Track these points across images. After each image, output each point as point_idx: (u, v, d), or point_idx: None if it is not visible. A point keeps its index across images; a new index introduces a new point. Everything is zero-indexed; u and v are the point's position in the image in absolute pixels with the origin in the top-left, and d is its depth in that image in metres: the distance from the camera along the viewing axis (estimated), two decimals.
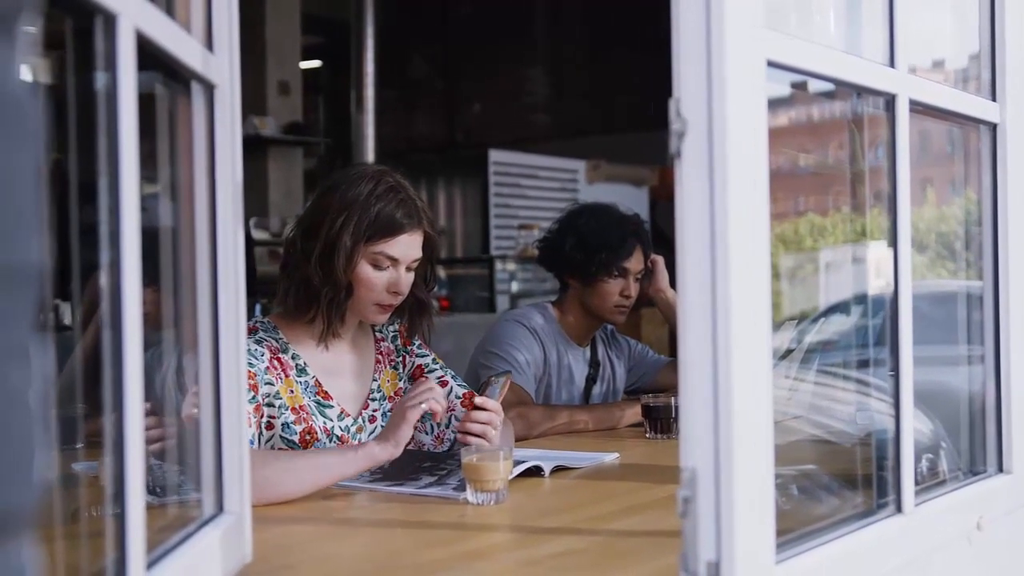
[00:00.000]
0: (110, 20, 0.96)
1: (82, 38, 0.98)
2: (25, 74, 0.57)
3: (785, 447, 1.28)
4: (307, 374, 2.13)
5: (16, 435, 0.51)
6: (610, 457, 2.28)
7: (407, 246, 2.11)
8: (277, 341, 2.13)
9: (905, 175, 1.48)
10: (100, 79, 0.98)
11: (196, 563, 1.19)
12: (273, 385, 2.07)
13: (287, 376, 2.10)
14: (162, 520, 1.28)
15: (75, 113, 1.01)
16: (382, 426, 2.19)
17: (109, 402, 0.97)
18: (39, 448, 0.54)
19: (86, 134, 0.99)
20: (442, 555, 1.52)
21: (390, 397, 2.26)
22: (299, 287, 2.11)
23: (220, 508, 1.33)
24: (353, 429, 2.17)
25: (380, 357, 2.28)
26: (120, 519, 0.98)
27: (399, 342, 2.32)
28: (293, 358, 2.13)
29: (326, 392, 2.15)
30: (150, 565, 1.04)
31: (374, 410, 2.23)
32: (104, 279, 0.98)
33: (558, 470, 2.11)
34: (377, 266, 2.10)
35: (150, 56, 1.07)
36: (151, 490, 1.18)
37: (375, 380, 2.25)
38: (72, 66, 1.02)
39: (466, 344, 4.66)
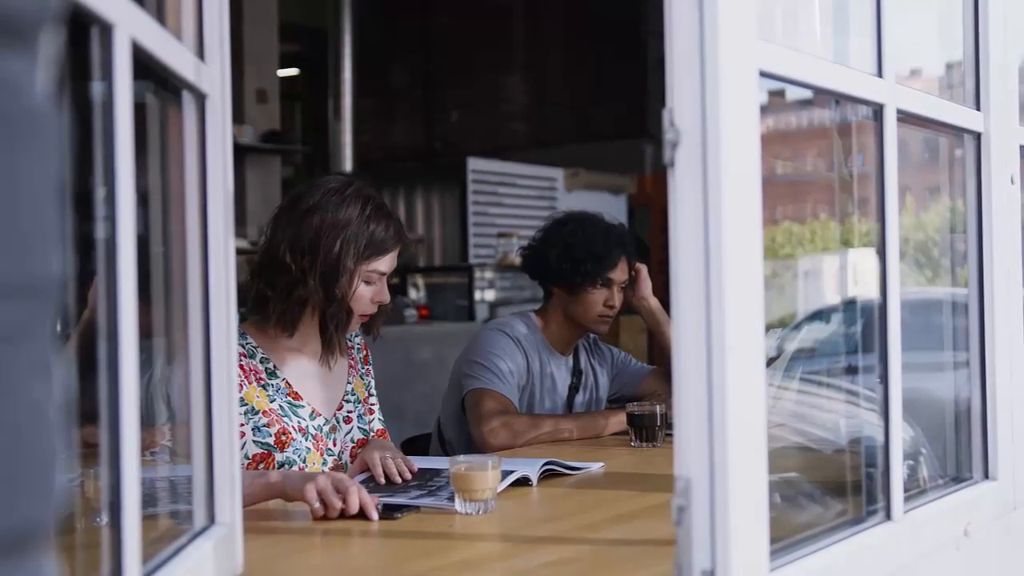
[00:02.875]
0: (106, 30, 0.95)
1: (75, 47, 0.97)
2: (45, 88, 0.57)
3: (771, 455, 1.28)
4: (278, 377, 2.19)
5: (39, 449, 0.51)
6: (596, 467, 2.28)
7: (393, 260, 2.23)
8: (244, 347, 2.17)
9: (893, 183, 1.49)
10: (95, 88, 0.97)
11: (189, 575, 1.18)
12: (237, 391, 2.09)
13: (257, 380, 2.15)
14: (154, 532, 1.27)
15: (68, 122, 1.00)
16: (358, 427, 2.28)
17: (105, 414, 0.96)
18: (59, 461, 0.53)
19: (79, 142, 0.99)
20: (433, 565, 1.52)
21: (362, 401, 2.34)
22: (295, 306, 2.14)
23: (212, 520, 1.32)
24: (326, 429, 2.22)
25: (352, 363, 2.35)
26: (115, 531, 0.97)
27: (360, 356, 2.39)
28: (262, 362, 2.18)
29: (296, 393, 2.20)
30: None
31: (348, 411, 2.29)
32: (99, 289, 0.97)
33: (546, 476, 2.11)
34: (368, 282, 2.19)
35: (143, 65, 1.06)
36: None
37: (349, 383, 2.32)
38: (65, 75, 1.01)
39: (445, 353, 4.65)
